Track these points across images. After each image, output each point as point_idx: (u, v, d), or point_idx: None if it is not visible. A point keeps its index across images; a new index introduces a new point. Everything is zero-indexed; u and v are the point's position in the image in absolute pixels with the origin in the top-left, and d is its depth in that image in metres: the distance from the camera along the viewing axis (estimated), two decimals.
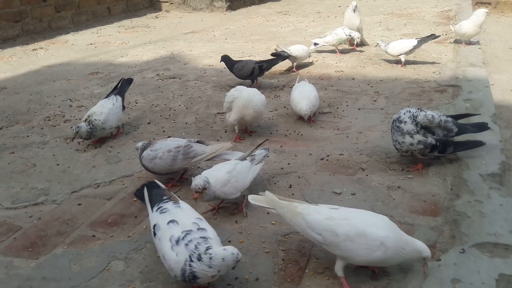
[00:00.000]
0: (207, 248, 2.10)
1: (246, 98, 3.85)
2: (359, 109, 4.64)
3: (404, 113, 3.34)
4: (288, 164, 3.57)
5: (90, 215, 3.01)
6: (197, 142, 3.32)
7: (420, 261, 2.30)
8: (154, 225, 2.33)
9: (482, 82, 5.11)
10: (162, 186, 2.64)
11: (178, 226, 2.25)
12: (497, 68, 6.22)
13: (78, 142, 4.05)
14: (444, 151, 3.35)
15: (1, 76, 6.29)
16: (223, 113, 4.44)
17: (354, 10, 6.76)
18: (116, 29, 9.34)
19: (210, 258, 2.07)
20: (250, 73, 5.23)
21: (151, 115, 4.72)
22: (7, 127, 4.53)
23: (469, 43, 6.76)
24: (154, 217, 2.39)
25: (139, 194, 2.66)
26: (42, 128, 4.47)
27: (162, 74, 6.14)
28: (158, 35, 8.69)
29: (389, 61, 6.18)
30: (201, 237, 2.17)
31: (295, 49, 5.89)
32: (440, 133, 3.38)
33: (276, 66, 5.79)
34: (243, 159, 3.03)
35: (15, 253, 2.65)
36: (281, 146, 3.88)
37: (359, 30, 6.84)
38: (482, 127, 3.58)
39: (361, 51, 6.82)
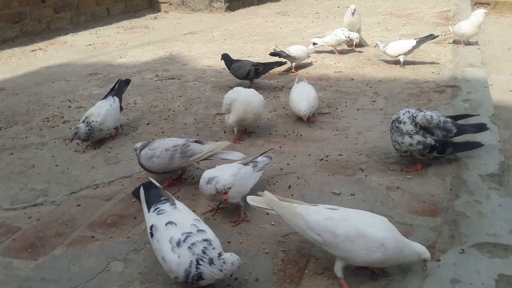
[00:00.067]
0: (220, 254, 2.14)
1: (244, 100, 3.84)
2: (358, 109, 4.64)
3: (403, 114, 3.34)
4: (287, 164, 3.57)
5: (89, 216, 3.01)
6: (195, 142, 3.32)
7: (419, 263, 2.30)
8: (151, 226, 2.33)
9: (481, 82, 5.11)
10: (159, 185, 2.64)
11: (176, 228, 2.25)
12: (496, 68, 6.22)
13: (77, 143, 4.05)
14: (443, 151, 3.35)
15: (0, 77, 6.28)
16: (222, 113, 4.43)
17: (353, 14, 6.75)
18: (115, 30, 9.34)
19: (224, 263, 2.11)
20: (246, 74, 5.25)
21: (150, 116, 4.72)
22: (6, 128, 4.53)
23: (468, 43, 6.77)
24: (151, 217, 2.39)
25: (136, 193, 2.66)
26: (41, 129, 4.47)
27: (161, 75, 6.14)
28: (157, 36, 8.69)
29: (388, 62, 6.19)
30: (203, 240, 2.19)
31: (294, 50, 5.89)
32: (439, 134, 3.38)
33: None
34: (245, 164, 3.03)
35: (14, 254, 2.65)
36: (280, 147, 3.88)
37: (358, 31, 6.85)
38: (481, 127, 3.59)
39: (360, 52, 6.83)
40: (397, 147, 3.40)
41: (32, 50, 7.79)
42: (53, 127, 4.51)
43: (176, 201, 2.51)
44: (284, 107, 4.76)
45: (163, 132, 4.29)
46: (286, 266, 2.46)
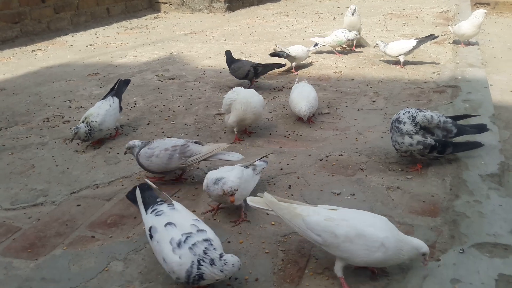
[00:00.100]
0: (221, 255, 2.14)
1: (244, 101, 3.85)
2: (358, 109, 4.64)
3: (404, 114, 3.34)
4: (288, 164, 3.57)
5: (89, 216, 3.01)
6: (194, 143, 3.33)
7: (419, 258, 2.30)
8: (150, 228, 2.33)
9: (481, 82, 5.12)
10: (154, 187, 2.63)
11: (176, 229, 2.25)
12: (496, 68, 6.22)
13: (77, 143, 4.05)
14: (443, 151, 3.35)
15: (0, 77, 6.28)
16: (222, 114, 4.43)
17: (353, 13, 6.74)
18: (115, 30, 9.34)
19: (225, 264, 2.11)
20: (245, 75, 5.25)
21: (150, 116, 4.72)
22: (6, 128, 4.53)
23: (468, 43, 6.77)
24: (149, 219, 2.38)
25: (131, 196, 2.63)
26: (41, 129, 4.47)
27: (161, 75, 6.14)
28: (157, 36, 8.69)
29: (388, 62, 6.19)
30: (204, 240, 2.19)
31: (294, 50, 5.89)
32: (440, 134, 3.38)
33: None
34: (245, 167, 3.03)
35: (14, 254, 2.65)
36: (280, 147, 3.88)
37: (358, 31, 6.84)
38: (481, 128, 3.58)
39: (359, 52, 6.83)
40: (397, 147, 3.40)
41: (32, 50, 7.79)
42: (53, 127, 4.51)
43: (174, 202, 2.50)
44: (284, 107, 4.76)
45: (163, 132, 4.30)
46: (286, 266, 2.46)
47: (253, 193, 2.95)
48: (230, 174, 2.82)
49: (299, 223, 2.33)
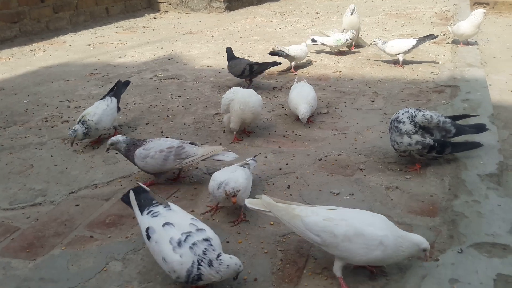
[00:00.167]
0: (218, 256, 2.14)
1: (242, 101, 3.85)
2: (357, 109, 4.64)
3: (403, 114, 3.34)
4: (286, 164, 3.57)
5: (88, 216, 3.00)
6: (189, 143, 3.32)
7: (420, 254, 2.29)
8: (147, 228, 2.32)
9: (480, 82, 5.12)
10: (148, 189, 2.62)
11: (174, 228, 2.25)
12: (495, 68, 6.23)
13: (76, 143, 4.04)
14: (442, 151, 3.35)
15: None
16: (221, 113, 4.43)
17: (352, 13, 6.71)
18: (114, 30, 9.33)
19: (220, 264, 2.12)
20: (241, 72, 5.26)
21: (149, 115, 4.72)
22: (4, 128, 4.53)
23: (467, 43, 6.77)
24: (146, 220, 2.38)
25: (126, 199, 2.62)
26: (40, 129, 4.47)
27: (160, 74, 6.14)
28: (156, 35, 8.68)
29: (387, 62, 6.19)
30: (204, 239, 2.19)
31: (294, 49, 5.89)
32: (438, 134, 3.38)
33: (277, 66, 5.79)
34: (242, 166, 3.03)
35: (13, 254, 2.65)
36: (279, 147, 3.88)
37: (357, 32, 6.84)
38: (480, 128, 3.59)
39: (358, 52, 6.82)
40: (396, 147, 3.40)
41: (31, 50, 7.78)
42: (52, 127, 4.51)
43: (170, 203, 2.50)
44: (283, 107, 4.76)
45: (162, 132, 4.29)
46: (285, 266, 2.46)
47: (254, 192, 2.96)
48: (234, 176, 2.82)
49: (298, 224, 2.33)
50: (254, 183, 3.15)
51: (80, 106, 5.03)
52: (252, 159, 3.20)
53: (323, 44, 6.57)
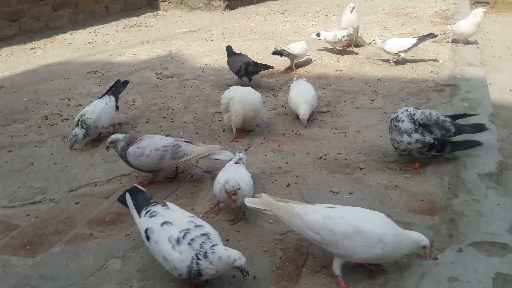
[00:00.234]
0: (212, 246, 2.13)
1: (241, 99, 3.86)
2: (357, 108, 4.64)
3: (402, 112, 3.35)
4: (286, 163, 3.57)
5: (87, 214, 3.01)
6: (185, 142, 3.32)
7: (420, 251, 2.29)
8: (146, 229, 2.32)
9: (480, 81, 5.12)
10: (144, 189, 2.61)
11: (173, 227, 2.25)
12: (495, 67, 6.23)
13: (75, 148, 4.03)
14: (442, 150, 3.36)
15: None
16: (221, 112, 4.43)
17: (352, 11, 6.69)
18: (114, 28, 9.33)
19: (212, 254, 2.10)
20: (238, 70, 5.28)
21: (149, 114, 4.72)
22: (4, 126, 4.53)
23: (467, 42, 6.77)
24: (144, 221, 2.37)
25: (122, 200, 2.61)
26: (39, 127, 4.47)
27: (160, 73, 6.14)
28: (156, 34, 8.68)
29: (387, 61, 6.18)
30: (202, 234, 2.19)
31: (295, 47, 5.89)
32: (438, 133, 3.38)
33: (276, 65, 5.82)
34: (237, 163, 3.03)
35: (13, 252, 2.65)
36: (279, 145, 3.89)
37: (356, 30, 6.82)
38: (480, 128, 3.59)
39: (358, 51, 6.82)
40: (395, 145, 3.41)
41: (31, 48, 7.78)
42: (52, 125, 4.51)
43: (168, 203, 2.49)
44: (283, 106, 4.76)
45: (162, 130, 4.29)
46: (284, 264, 2.47)
47: (254, 191, 2.95)
48: (237, 175, 2.81)
49: (298, 222, 2.34)
50: (254, 182, 3.15)
51: (80, 104, 5.03)
52: (243, 152, 3.17)
53: (325, 39, 6.52)
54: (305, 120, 4.12)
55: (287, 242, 2.64)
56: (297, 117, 4.36)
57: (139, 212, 2.44)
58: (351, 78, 5.60)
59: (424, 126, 3.34)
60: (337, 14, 9.67)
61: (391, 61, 5.98)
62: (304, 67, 6.13)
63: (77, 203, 3.14)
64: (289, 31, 8.44)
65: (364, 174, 3.36)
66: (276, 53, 5.90)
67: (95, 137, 4.11)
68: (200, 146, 3.32)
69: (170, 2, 11.46)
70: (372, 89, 5.16)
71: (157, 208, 2.41)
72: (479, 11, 6.52)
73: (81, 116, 3.94)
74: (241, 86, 4.13)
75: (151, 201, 2.50)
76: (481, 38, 7.47)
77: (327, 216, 2.29)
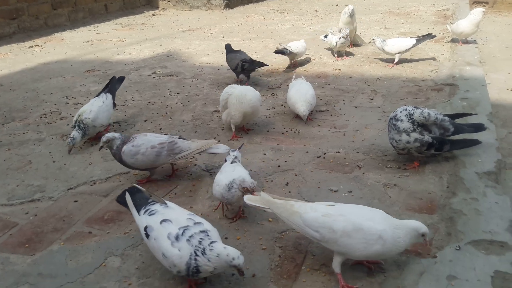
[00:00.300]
0: (211, 242, 2.13)
1: (240, 95, 3.86)
2: (356, 107, 4.65)
3: (401, 111, 3.35)
4: (285, 162, 3.57)
5: (86, 212, 3.01)
6: (179, 138, 3.31)
7: (419, 239, 2.28)
8: (146, 227, 2.32)
9: (479, 81, 5.12)
10: (143, 189, 2.61)
11: (172, 224, 2.25)
12: (494, 67, 6.24)
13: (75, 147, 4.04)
14: (440, 149, 3.36)
15: None
16: (219, 110, 4.43)
17: (351, 15, 6.60)
18: (113, 27, 9.32)
19: (211, 251, 2.10)
20: (235, 67, 5.30)
21: (148, 112, 4.72)
22: (3, 124, 4.52)
23: (466, 42, 6.77)
24: (143, 219, 2.37)
25: (121, 200, 2.60)
26: (38, 125, 4.46)
27: (159, 71, 6.13)
28: (155, 33, 8.67)
29: (386, 60, 6.18)
30: (201, 231, 2.19)
31: (295, 46, 5.89)
32: (437, 132, 3.39)
33: (275, 64, 5.80)
34: (233, 162, 3.01)
35: (11, 249, 2.65)
36: (278, 144, 3.89)
37: (354, 30, 6.80)
38: (478, 127, 3.59)
39: (357, 50, 6.82)
40: (394, 144, 3.41)
41: (29, 47, 7.77)
42: (51, 123, 4.50)
43: (167, 202, 2.49)
44: (282, 105, 4.76)
45: (160, 128, 4.29)
46: (283, 262, 2.47)
47: None
48: (240, 173, 2.79)
49: (297, 221, 2.34)
50: None
51: (78, 103, 5.02)
52: (237, 151, 3.15)
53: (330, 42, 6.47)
54: (305, 116, 4.13)
55: (286, 240, 2.64)
56: (296, 116, 4.37)
57: (138, 211, 2.44)
58: (350, 77, 5.60)
59: (422, 125, 3.34)
60: (337, 13, 9.66)
61: (390, 66, 5.94)
62: (303, 66, 6.13)
63: (75, 201, 3.14)
64: (288, 30, 8.44)
65: (363, 173, 3.36)
66: (278, 52, 5.89)
67: (94, 136, 4.10)
68: (196, 141, 3.32)
69: (169, 1, 11.46)
70: (371, 88, 5.16)
71: (156, 206, 2.42)
72: (478, 10, 6.52)
73: (79, 116, 3.93)
74: (240, 85, 4.13)
75: (150, 200, 2.50)
76: (480, 38, 7.48)
77: (327, 214, 2.29)
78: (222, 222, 2.83)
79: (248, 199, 2.55)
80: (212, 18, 10.07)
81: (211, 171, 3.45)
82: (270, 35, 8.05)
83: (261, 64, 5.31)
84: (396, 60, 5.92)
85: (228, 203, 2.81)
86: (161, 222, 2.28)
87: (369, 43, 6.58)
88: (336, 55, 6.43)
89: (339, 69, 5.93)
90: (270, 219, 2.82)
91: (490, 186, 3.07)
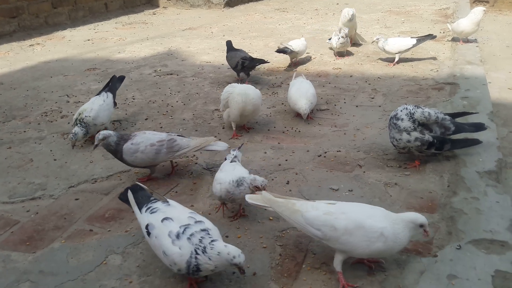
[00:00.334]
0: (212, 241, 2.13)
1: (241, 92, 3.87)
2: (356, 106, 4.65)
3: (401, 110, 3.35)
4: (286, 160, 3.57)
5: (87, 210, 3.01)
6: (177, 136, 3.32)
7: (419, 231, 2.27)
8: (147, 225, 2.32)
9: (480, 80, 5.12)
10: (146, 187, 2.61)
11: (173, 222, 2.26)
12: (495, 66, 6.24)
13: (76, 145, 4.03)
14: (441, 148, 3.36)
15: None
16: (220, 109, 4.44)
17: (351, 19, 6.51)
18: (114, 25, 9.31)
19: (211, 249, 2.10)
20: (235, 65, 5.31)
21: (149, 111, 4.72)
22: (4, 123, 4.52)
23: (466, 41, 6.77)
24: (145, 217, 2.38)
25: (123, 197, 2.61)
26: (39, 124, 4.46)
27: (160, 70, 6.13)
28: (155, 31, 8.67)
29: (387, 59, 6.18)
30: (201, 230, 2.19)
31: (296, 45, 5.89)
32: (438, 131, 3.39)
33: (276, 63, 5.79)
34: (232, 161, 3.00)
35: (13, 247, 2.65)
36: (278, 143, 3.89)
37: (355, 29, 6.79)
38: (479, 127, 3.59)
39: (357, 49, 6.82)
40: (395, 143, 3.41)
41: (30, 45, 7.76)
42: (51, 122, 4.51)
43: (169, 200, 2.50)
44: (282, 103, 4.76)
45: (161, 127, 4.29)
46: (284, 260, 2.47)
47: None
48: (243, 172, 2.80)
49: (299, 219, 2.34)
50: None
51: (79, 101, 5.02)
52: (237, 150, 3.14)
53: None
54: (305, 114, 4.13)
55: (287, 238, 2.65)
56: (297, 114, 4.37)
57: (140, 209, 2.44)
58: (350, 76, 5.60)
59: (423, 124, 3.34)
60: (337, 12, 9.66)
61: (390, 65, 5.94)
62: (304, 65, 6.13)
63: (76, 199, 3.14)
64: (289, 29, 8.44)
65: (364, 172, 3.36)
66: (279, 51, 5.89)
67: (95, 134, 4.10)
68: (196, 139, 3.33)
69: (169, 0, 11.45)
70: (371, 87, 5.16)
71: (158, 204, 2.42)
72: (479, 9, 6.51)
73: (79, 114, 3.93)
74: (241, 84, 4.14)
75: (152, 198, 2.51)
76: (481, 37, 7.47)
77: (328, 212, 2.29)
78: (223, 221, 2.83)
79: (249, 198, 2.55)
80: (213, 16, 10.07)
81: (212, 169, 3.45)
82: (271, 34, 8.05)
83: (261, 61, 5.33)
84: (396, 59, 5.93)
85: (231, 200, 2.78)
86: (162, 220, 2.28)
87: (372, 42, 6.56)
88: (336, 55, 6.42)
89: (340, 68, 5.93)
90: (271, 218, 2.82)
91: (491, 185, 3.08)
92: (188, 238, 2.15)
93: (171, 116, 4.55)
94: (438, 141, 3.32)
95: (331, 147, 3.76)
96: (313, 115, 4.42)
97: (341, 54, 6.43)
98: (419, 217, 2.25)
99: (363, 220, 2.23)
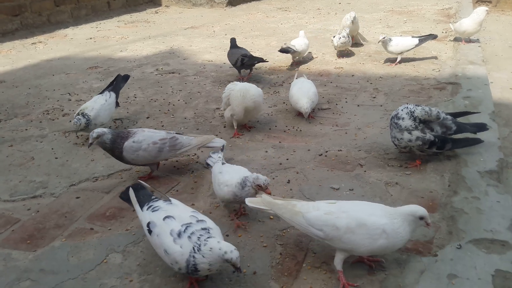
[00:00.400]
0: (207, 238, 2.12)
1: (243, 88, 3.87)
2: (358, 105, 4.64)
3: (402, 110, 3.35)
4: (287, 159, 3.57)
5: (88, 208, 3.01)
6: (177, 134, 3.34)
7: (420, 224, 2.26)
8: (148, 223, 2.32)
9: (482, 80, 5.11)
10: (147, 186, 2.61)
11: (175, 221, 2.26)
12: (497, 66, 6.22)
13: (77, 136, 4.05)
14: (442, 147, 3.36)
15: (0, 70, 6.27)
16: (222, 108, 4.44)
17: (353, 22, 6.51)
18: (116, 24, 9.32)
19: (205, 245, 2.09)
20: (235, 62, 5.34)
21: (150, 109, 4.72)
22: (5, 121, 4.53)
23: (469, 41, 6.76)
24: (146, 215, 2.38)
25: (124, 196, 2.61)
26: (40, 122, 4.47)
27: (162, 69, 6.13)
28: (157, 30, 8.67)
29: (389, 59, 6.17)
30: (202, 229, 2.19)
31: (299, 44, 5.90)
32: (439, 130, 3.38)
33: (278, 62, 5.78)
34: (223, 163, 3.00)
35: (13, 245, 2.66)
36: (279, 142, 3.89)
37: (356, 30, 6.78)
38: (481, 127, 3.59)
39: (359, 49, 6.81)
40: (396, 143, 3.41)
41: (32, 43, 7.78)
42: (53, 120, 4.51)
43: (171, 198, 2.50)
44: (284, 102, 4.76)
45: (163, 126, 4.30)
46: (284, 259, 2.47)
47: None
48: (244, 171, 2.80)
49: (300, 221, 2.33)
50: None
51: (81, 100, 5.03)
52: (220, 152, 3.13)
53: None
54: (307, 113, 4.13)
55: (287, 237, 2.65)
56: (298, 113, 4.37)
57: (141, 208, 2.44)
58: (352, 76, 5.60)
59: (424, 123, 3.33)
60: (339, 12, 9.67)
61: (392, 65, 5.93)
62: (306, 64, 6.13)
63: (77, 197, 3.14)
64: (291, 28, 8.43)
65: (365, 171, 3.36)
66: (282, 50, 5.89)
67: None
68: (196, 137, 3.36)
69: None
70: (373, 87, 5.16)
71: (160, 203, 2.42)
72: (482, 9, 6.50)
73: (81, 110, 3.93)
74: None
75: (153, 196, 2.51)
76: (483, 37, 7.46)
77: (329, 212, 2.29)
78: (223, 220, 2.83)
79: (249, 201, 2.54)
80: (215, 15, 10.07)
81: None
82: (273, 33, 8.04)
83: (260, 60, 5.33)
84: (398, 59, 5.92)
85: (240, 201, 2.72)
86: (164, 219, 2.28)
87: (378, 42, 6.54)
88: (338, 55, 6.41)
89: (342, 67, 5.92)
90: (271, 217, 2.82)
91: (492, 185, 3.07)
92: (189, 237, 2.15)
93: (173, 115, 4.56)
94: (439, 141, 3.32)
95: (332, 146, 3.76)
96: (315, 114, 4.41)
97: (342, 53, 6.42)
98: (419, 209, 2.23)
99: (364, 218, 2.22)
